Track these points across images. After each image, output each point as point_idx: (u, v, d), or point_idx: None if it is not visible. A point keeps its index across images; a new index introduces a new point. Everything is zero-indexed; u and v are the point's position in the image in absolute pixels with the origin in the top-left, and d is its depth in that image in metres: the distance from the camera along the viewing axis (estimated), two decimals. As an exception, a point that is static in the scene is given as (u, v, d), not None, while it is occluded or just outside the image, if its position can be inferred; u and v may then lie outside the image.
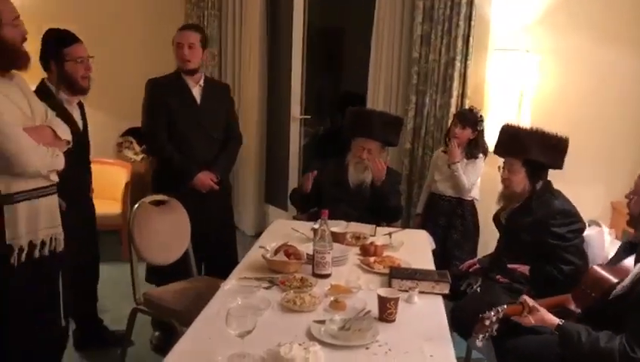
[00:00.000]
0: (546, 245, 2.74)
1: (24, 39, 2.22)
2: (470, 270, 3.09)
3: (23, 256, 2.24)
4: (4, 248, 2.19)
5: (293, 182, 5.01)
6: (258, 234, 3.65)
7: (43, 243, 2.31)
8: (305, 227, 3.07)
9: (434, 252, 3.03)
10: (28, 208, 2.23)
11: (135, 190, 4.61)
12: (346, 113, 3.65)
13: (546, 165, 2.85)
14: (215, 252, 3.38)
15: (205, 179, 3.33)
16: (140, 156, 4.90)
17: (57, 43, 2.83)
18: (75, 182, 2.75)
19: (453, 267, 3.10)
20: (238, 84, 5.24)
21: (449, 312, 2.47)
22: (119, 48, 4.98)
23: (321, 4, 5.57)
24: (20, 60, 2.21)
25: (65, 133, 2.39)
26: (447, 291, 2.32)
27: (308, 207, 3.68)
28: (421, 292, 2.26)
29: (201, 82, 3.39)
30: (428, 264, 2.70)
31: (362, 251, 2.75)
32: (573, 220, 2.75)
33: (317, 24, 6.13)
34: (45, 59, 2.84)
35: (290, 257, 2.45)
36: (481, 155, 3.70)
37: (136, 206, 2.94)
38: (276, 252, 2.50)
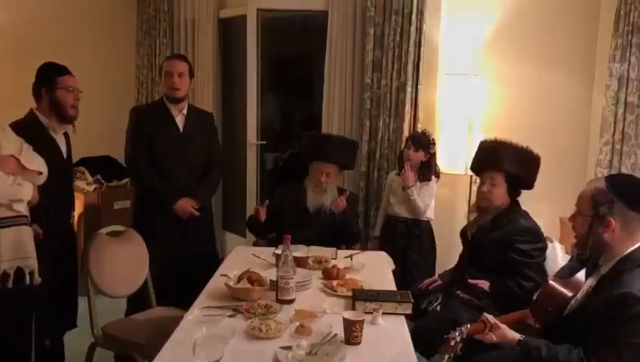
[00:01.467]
0: (509, 261, 2.84)
1: None
2: (430, 287, 3.16)
3: None
4: None
5: (251, 208, 4.98)
6: (220, 262, 3.64)
7: (5, 275, 2.25)
8: (266, 253, 3.07)
9: (394, 272, 3.07)
10: None
11: (88, 221, 4.51)
12: (303, 137, 3.71)
13: (523, 178, 2.95)
14: (196, 278, 3.34)
15: (185, 205, 3.35)
16: (93, 186, 4.79)
17: (51, 71, 2.92)
18: (56, 209, 2.78)
19: (413, 287, 3.15)
20: (192, 110, 5.22)
21: (410, 331, 2.51)
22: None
23: (286, 30, 5.65)
24: None
25: (36, 164, 2.39)
26: (409, 311, 2.36)
27: (266, 233, 3.69)
28: (385, 314, 2.29)
29: (185, 111, 3.45)
30: (389, 285, 2.74)
31: (325, 275, 2.77)
32: (538, 239, 2.87)
33: (283, 50, 6.21)
34: (37, 87, 2.90)
35: (253, 284, 2.44)
36: (433, 178, 3.79)
37: (92, 238, 2.89)
38: (239, 279, 2.49)
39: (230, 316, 2.25)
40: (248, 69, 4.94)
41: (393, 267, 3.25)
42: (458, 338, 1.97)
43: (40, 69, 2.98)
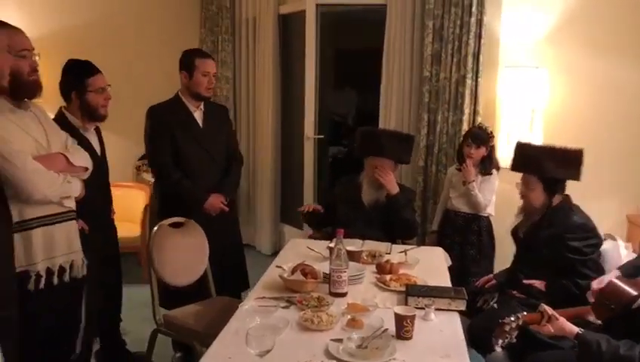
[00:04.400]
0: (563, 259, 2.76)
1: (33, 70, 2.25)
2: (486, 286, 3.11)
3: (42, 282, 2.27)
4: (19, 274, 2.21)
5: (308, 201, 5.06)
6: (274, 254, 3.69)
7: (62, 269, 2.34)
8: (320, 246, 3.10)
9: (450, 268, 3.05)
10: (43, 234, 2.27)
11: (153, 212, 4.68)
12: (356, 133, 3.71)
13: (561, 179, 2.88)
14: (226, 272, 3.40)
15: (216, 201, 3.34)
16: (157, 179, 4.98)
17: (79, 74, 2.90)
18: (95, 205, 2.80)
19: (469, 283, 3.11)
20: (252, 106, 5.33)
21: (466, 329, 2.49)
22: (138, 74, 5.10)
23: (346, 24, 5.64)
24: (29, 89, 2.25)
25: (83, 160, 2.44)
26: (463, 308, 2.34)
27: (322, 225, 3.72)
28: (437, 309, 2.28)
29: (202, 106, 3.40)
30: (444, 281, 2.72)
31: (378, 269, 2.78)
32: (590, 235, 2.78)
33: (344, 44, 6.21)
34: (66, 89, 2.91)
35: (306, 276, 2.48)
36: (494, 171, 3.74)
37: (155, 228, 3.01)
38: (293, 271, 2.53)
39: (284, 307, 2.30)
40: (307, 63, 4.99)
41: (449, 263, 3.22)
42: (513, 324, 1.94)
43: (68, 68, 2.95)
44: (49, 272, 2.30)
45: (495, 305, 2.88)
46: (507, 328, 1.93)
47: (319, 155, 5.34)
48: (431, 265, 2.97)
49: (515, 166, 3.04)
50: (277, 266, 2.74)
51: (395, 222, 3.46)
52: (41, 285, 2.27)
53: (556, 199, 2.89)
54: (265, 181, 5.34)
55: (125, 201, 4.47)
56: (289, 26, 5.29)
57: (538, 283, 2.79)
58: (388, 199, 3.44)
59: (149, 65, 5.28)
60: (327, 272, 2.48)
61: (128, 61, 5.05)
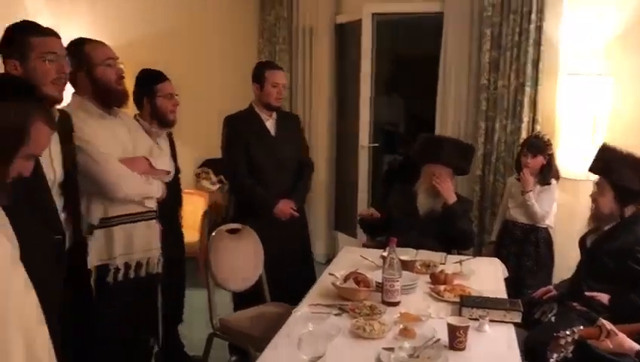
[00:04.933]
0: (631, 273, 2.66)
1: (120, 78, 2.44)
2: (545, 297, 3.03)
3: (120, 275, 2.43)
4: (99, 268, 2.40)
5: (362, 210, 5.07)
6: (329, 261, 3.72)
7: (139, 264, 2.49)
8: (374, 254, 3.11)
9: (506, 280, 2.99)
10: (123, 231, 2.44)
11: (212, 218, 4.80)
12: (417, 139, 3.69)
13: (636, 191, 2.78)
14: (294, 278, 3.46)
15: (286, 207, 3.44)
16: (217, 186, 5.11)
17: (150, 80, 3.09)
18: (165, 207, 2.92)
19: (525, 295, 3.05)
20: (308, 114, 5.40)
21: (522, 341, 2.44)
22: (197, 83, 5.25)
23: (403, 32, 5.64)
24: (116, 97, 2.44)
25: (165, 164, 2.62)
26: (518, 320, 2.30)
27: (377, 233, 3.72)
28: (492, 321, 2.25)
29: (274, 115, 3.54)
30: (499, 292, 2.68)
31: (432, 279, 2.76)
32: None
33: (400, 52, 6.20)
34: (139, 95, 3.08)
35: (359, 285, 2.49)
36: (553, 181, 3.64)
37: (213, 234, 3.10)
38: (346, 279, 2.55)
39: (336, 314, 2.32)
40: (362, 72, 5.02)
41: (506, 275, 3.16)
42: (569, 339, 1.89)
43: (139, 77, 3.14)
44: (127, 267, 2.46)
45: (553, 318, 2.80)
46: (562, 342, 1.89)
47: (374, 164, 5.35)
48: (486, 276, 2.92)
49: (592, 167, 2.98)
50: (330, 274, 2.76)
51: (450, 232, 3.42)
52: (119, 278, 2.43)
53: (629, 210, 2.80)
54: (320, 189, 5.38)
55: (185, 207, 4.60)
56: (345, 35, 5.34)
57: (601, 296, 2.70)
58: (444, 208, 3.41)
59: (209, 75, 5.42)
60: (380, 281, 2.49)
61: (188, 71, 5.19)
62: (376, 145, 5.28)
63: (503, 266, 3.22)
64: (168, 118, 3.09)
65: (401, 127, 6.99)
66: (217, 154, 5.18)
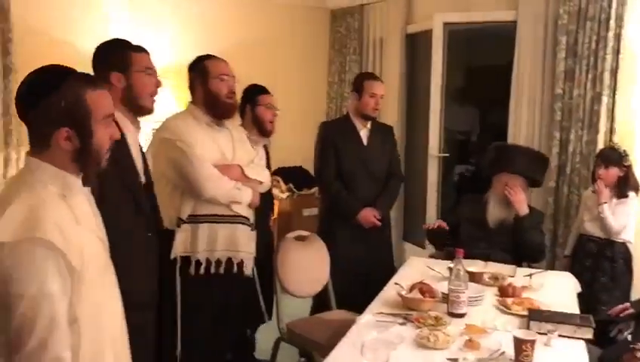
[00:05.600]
0: None
1: (231, 92, 2.66)
2: (621, 315, 2.91)
3: (202, 269, 2.60)
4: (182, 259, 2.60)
5: (431, 221, 5.02)
6: (396, 271, 3.73)
7: (218, 261, 2.64)
8: (441, 265, 3.09)
9: (580, 296, 2.90)
10: (208, 230, 2.61)
11: (280, 225, 4.90)
12: (489, 148, 3.64)
13: None
14: (372, 286, 3.49)
15: (368, 215, 3.52)
16: (286, 194, 5.22)
17: (254, 91, 3.34)
18: (259, 212, 3.03)
19: (599, 311, 2.94)
20: (377, 124, 5.41)
21: (596, 359, 2.36)
22: (271, 91, 5.38)
23: (475, 41, 5.59)
24: (223, 109, 2.65)
25: (258, 174, 2.77)
26: (589, 336, 2.23)
27: (445, 244, 3.69)
28: (561, 336, 2.19)
29: (369, 125, 3.64)
30: (571, 307, 2.60)
31: (500, 292, 2.71)
32: None
33: (472, 61, 6.13)
34: (242, 104, 3.30)
35: (424, 295, 2.49)
36: (632, 194, 3.49)
37: (281, 241, 3.18)
38: (411, 289, 2.56)
39: (400, 324, 2.33)
40: (433, 81, 4.99)
41: (579, 290, 3.06)
42: None
43: (245, 89, 3.37)
44: (208, 262, 2.62)
45: (629, 336, 2.69)
46: (639, 354, 1.82)
47: (444, 174, 5.29)
48: (557, 290, 2.85)
49: None
50: (395, 283, 2.77)
51: (521, 245, 3.35)
52: (201, 271, 2.60)
53: None
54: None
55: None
56: (416, 45, 5.34)
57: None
58: (516, 220, 3.34)
59: (280, 85, 5.53)
60: (446, 292, 2.48)
61: (262, 82, 5.34)
62: (447, 155, 5.23)
63: (576, 281, 3.13)
64: (267, 127, 3.29)
65: (473, 137, 6.88)
66: (288, 162, 5.33)
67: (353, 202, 3.54)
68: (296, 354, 3.42)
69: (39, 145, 1.48)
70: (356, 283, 3.40)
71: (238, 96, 3.28)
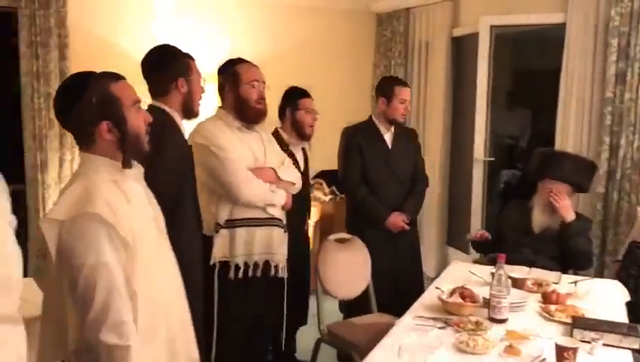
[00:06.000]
0: None
1: (260, 98, 2.70)
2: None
3: (240, 273, 2.65)
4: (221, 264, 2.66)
5: (475, 225, 4.97)
6: (438, 276, 3.72)
7: (256, 264, 2.69)
8: (483, 271, 3.06)
9: (629, 304, 2.82)
10: (246, 233, 2.65)
11: (323, 228, 4.93)
12: (534, 154, 3.59)
13: None
14: (402, 290, 3.48)
15: (397, 220, 3.50)
16: (328, 197, 5.24)
17: (295, 95, 3.36)
18: (293, 216, 3.07)
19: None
20: (422, 127, 5.39)
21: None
22: (316, 97, 5.42)
23: (523, 44, 5.51)
24: (253, 115, 2.69)
25: (291, 176, 2.81)
26: (636, 346, 2.17)
27: (490, 251, 3.64)
28: (606, 345, 2.14)
29: (393, 128, 3.62)
30: (618, 316, 2.53)
31: (543, 298, 2.67)
32: None
33: (519, 64, 6.05)
34: (282, 108, 3.36)
35: (465, 300, 2.48)
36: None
37: (322, 243, 3.21)
38: (452, 293, 2.54)
39: (440, 328, 2.32)
40: (479, 85, 4.93)
41: (628, 298, 2.98)
42: None
43: (285, 91, 3.41)
44: (246, 266, 2.67)
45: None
46: None
47: (489, 178, 5.22)
48: (604, 298, 2.78)
49: None
50: (436, 288, 2.76)
51: (567, 252, 3.28)
52: (239, 275, 2.65)
53: None
54: (432, 203, 5.34)
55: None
56: (462, 48, 5.28)
57: None
58: (561, 226, 3.28)
59: (325, 88, 5.58)
60: (487, 297, 2.45)
61: (307, 85, 5.39)
62: (492, 159, 5.16)
63: (625, 289, 3.04)
64: (306, 131, 3.32)
65: (522, 142, 6.77)
66: (331, 166, 5.34)
67: (381, 207, 3.51)
68: (335, 355, 3.45)
69: (86, 143, 1.64)
70: (384, 286, 3.38)
71: (279, 98, 3.35)
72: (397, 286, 3.43)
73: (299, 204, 3.29)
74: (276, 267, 2.76)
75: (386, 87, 3.60)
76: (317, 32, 5.50)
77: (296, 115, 3.32)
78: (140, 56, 2.42)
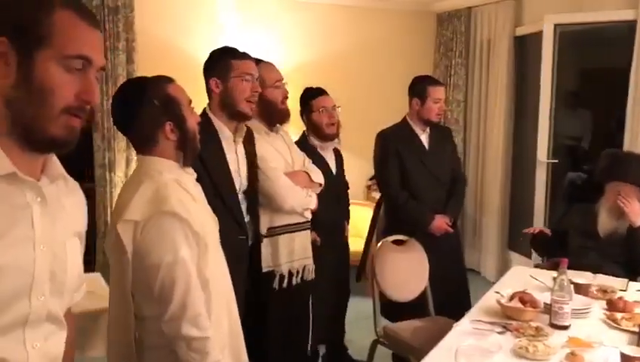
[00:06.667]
0: None
1: (285, 98, 2.69)
2: None
3: (285, 282, 2.64)
4: (266, 274, 2.64)
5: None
6: (467, 278, 3.68)
7: (297, 272, 2.70)
8: (545, 275, 2.97)
9: None
10: (287, 240, 2.65)
11: (379, 229, 4.90)
12: (602, 156, 3.47)
13: None
14: (447, 293, 3.44)
15: (441, 223, 3.43)
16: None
17: (306, 97, 3.27)
18: (330, 221, 3.08)
19: None
20: (482, 129, 5.31)
21: None
22: (371, 98, 5.42)
23: (590, 42, 5.35)
24: (280, 116, 2.69)
25: (318, 177, 2.80)
26: None
27: (551, 254, 3.54)
28: (676, 356, 2.05)
29: (428, 129, 3.54)
30: (691, 327, 2.41)
31: (609, 306, 2.57)
32: None
33: (586, 63, 5.86)
34: (300, 113, 3.30)
35: (525, 305, 2.42)
36: None
37: (378, 244, 3.20)
38: (511, 298, 2.49)
39: (499, 332, 2.27)
40: (542, 85, 4.81)
41: None
42: None
43: (300, 95, 3.29)
44: (289, 274, 2.67)
45: None
46: None
47: (552, 181, 5.07)
48: (676, 307, 2.65)
49: None
50: (496, 292, 2.71)
51: (635, 257, 3.15)
52: (284, 285, 2.65)
53: None
54: (493, 206, 5.24)
55: (356, 218, 4.78)
56: (525, 48, 5.16)
57: None
58: (630, 231, 3.15)
59: (383, 89, 5.58)
60: (549, 302, 2.39)
61: (365, 85, 5.40)
62: (556, 161, 5.00)
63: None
64: (324, 131, 3.19)
65: (585, 143, 6.53)
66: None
67: (424, 211, 3.42)
68: (390, 356, 3.43)
69: (147, 145, 1.68)
70: (432, 290, 3.32)
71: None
72: (444, 290, 3.37)
73: (337, 208, 3.29)
74: (309, 271, 2.76)
75: (419, 87, 3.50)
76: (376, 33, 5.49)
77: (311, 117, 3.22)
78: (204, 59, 2.48)
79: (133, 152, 4.47)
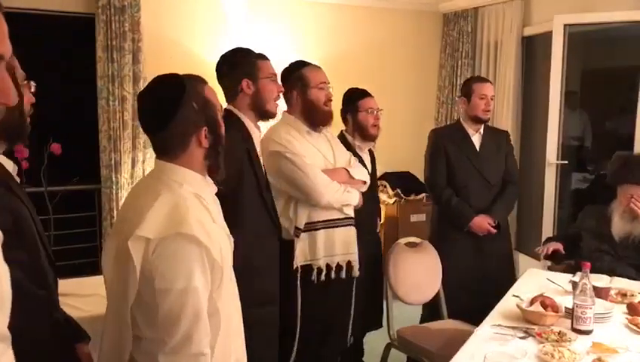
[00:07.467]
0: None
1: (328, 100, 2.70)
2: None
3: (322, 275, 2.66)
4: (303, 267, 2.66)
5: (547, 232, 4.80)
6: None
7: (339, 266, 2.70)
8: (561, 279, 2.94)
9: None
10: (325, 235, 2.67)
11: (388, 231, 4.89)
12: (613, 158, 3.44)
13: None
14: (488, 295, 3.39)
15: (482, 222, 3.40)
16: (393, 199, 5.19)
17: (353, 97, 3.31)
18: (362, 217, 3.05)
19: None
20: (490, 130, 5.26)
21: None
22: (377, 96, 5.35)
23: (600, 43, 5.32)
24: (322, 117, 2.70)
25: (360, 174, 2.81)
26: None
27: (562, 260, 3.51)
28: (703, 362, 2.02)
29: (481, 130, 3.53)
30: None
31: (629, 310, 2.54)
32: None
33: (596, 64, 5.83)
34: (344, 112, 3.33)
35: (547, 309, 2.38)
36: None
37: (392, 247, 3.16)
38: (532, 302, 2.45)
39: (521, 337, 2.24)
40: (552, 86, 4.77)
41: None
42: None
43: (344, 95, 3.36)
44: (328, 268, 2.68)
45: None
46: None
47: (561, 182, 5.03)
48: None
49: None
50: (514, 295, 2.68)
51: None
52: (322, 278, 2.66)
53: None
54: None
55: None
56: (533, 48, 5.13)
57: None
58: None
59: (390, 89, 5.54)
60: (569, 306, 2.35)
61: (371, 87, 5.34)
62: (566, 162, 4.97)
63: None
64: (369, 132, 3.26)
65: (587, 143, 6.51)
66: (395, 168, 5.30)
67: (466, 209, 3.41)
68: (405, 360, 3.40)
69: (174, 151, 1.53)
70: (468, 293, 3.30)
71: (340, 101, 3.33)
72: (480, 293, 3.32)
73: (369, 205, 3.27)
74: (353, 266, 2.76)
75: (465, 86, 3.56)
76: (382, 33, 5.46)
77: (357, 117, 3.26)
78: (210, 59, 2.46)
79: (140, 153, 4.42)
